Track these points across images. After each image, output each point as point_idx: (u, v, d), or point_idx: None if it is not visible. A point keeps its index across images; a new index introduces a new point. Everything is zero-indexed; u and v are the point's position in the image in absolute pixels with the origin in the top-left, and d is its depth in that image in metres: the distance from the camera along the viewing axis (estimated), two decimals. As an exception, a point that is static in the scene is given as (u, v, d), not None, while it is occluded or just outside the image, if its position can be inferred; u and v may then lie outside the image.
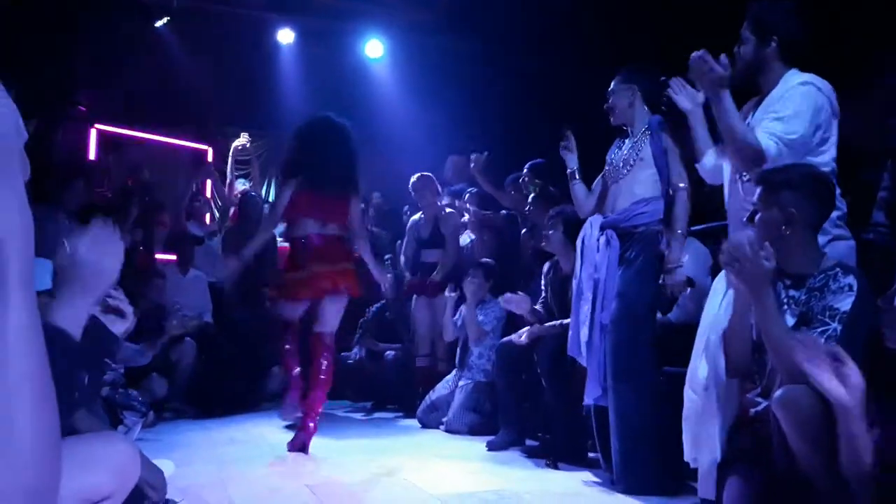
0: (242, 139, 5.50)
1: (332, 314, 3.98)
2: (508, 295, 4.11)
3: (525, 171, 4.94)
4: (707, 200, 3.82)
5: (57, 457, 0.64)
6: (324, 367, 3.89)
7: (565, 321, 3.76)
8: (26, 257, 0.62)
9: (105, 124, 7.04)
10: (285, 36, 7.21)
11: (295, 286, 3.98)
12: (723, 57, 2.50)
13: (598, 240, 3.20)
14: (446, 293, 5.03)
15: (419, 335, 5.39)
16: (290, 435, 3.97)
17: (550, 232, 3.98)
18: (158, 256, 5.88)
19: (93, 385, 1.25)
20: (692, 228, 4.03)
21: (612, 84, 3.30)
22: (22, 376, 0.61)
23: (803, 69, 2.59)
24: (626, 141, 3.28)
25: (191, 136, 7.55)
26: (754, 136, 2.46)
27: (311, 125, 4.06)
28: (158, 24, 6.74)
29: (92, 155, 6.90)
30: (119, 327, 1.39)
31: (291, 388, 4.11)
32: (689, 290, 3.28)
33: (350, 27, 7.26)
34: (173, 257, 5.85)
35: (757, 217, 2.23)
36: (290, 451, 3.79)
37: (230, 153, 5.88)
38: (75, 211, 4.53)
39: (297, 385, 4.07)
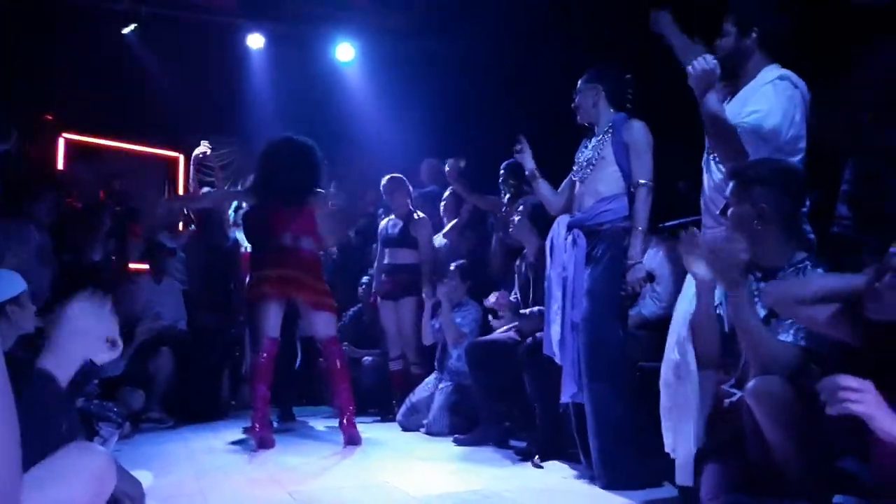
0: (203, 147, 5.44)
1: (325, 322, 4.34)
2: (491, 297, 4.22)
3: (501, 171, 4.97)
4: (680, 196, 3.88)
5: (15, 463, 0.63)
6: (339, 365, 4.34)
7: (535, 309, 3.82)
8: None
9: (74, 133, 6.95)
10: (255, 41, 7.17)
11: (279, 282, 4.16)
12: (710, 57, 2.53)
13: (565, 239, 3.23)
14: (424, 297, 5.03)
15: (389, 339, 5.39)
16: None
17: (516, 219, 4.04)
18: (132, 266, 5.82)
19: (70, 432, 1.29)
20: (666, 224, 4.10)
21: (578, 84, 3.35)
22: None
23: (782, 64, 2.64)
24: (591, 140, 3.33)
25: (162, 144, 7.47)
26: (738, 138, 2.50)
27: (274, 147, 4.32)
28: (126, 30, 6.66)
29: (61, 165, 6.81)
30: (105, 356, 1.40)
31: (257, 414, 4.16)
32: (649, 285, 3.33)
33: (321, 31, 7.23)
34: (146, 266, 5.80)
35: (730, 211, 2.27)
36: (344, 446, 4.12)
37: (191, 162, 5.82)
38: (46, 223, 4.47)
39: (263, 408, 4.19)
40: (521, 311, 4.06)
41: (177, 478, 3.32)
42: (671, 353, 2.43)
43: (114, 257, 5.53)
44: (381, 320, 5.41)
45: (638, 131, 3.18)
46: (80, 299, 1.33)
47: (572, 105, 3.36)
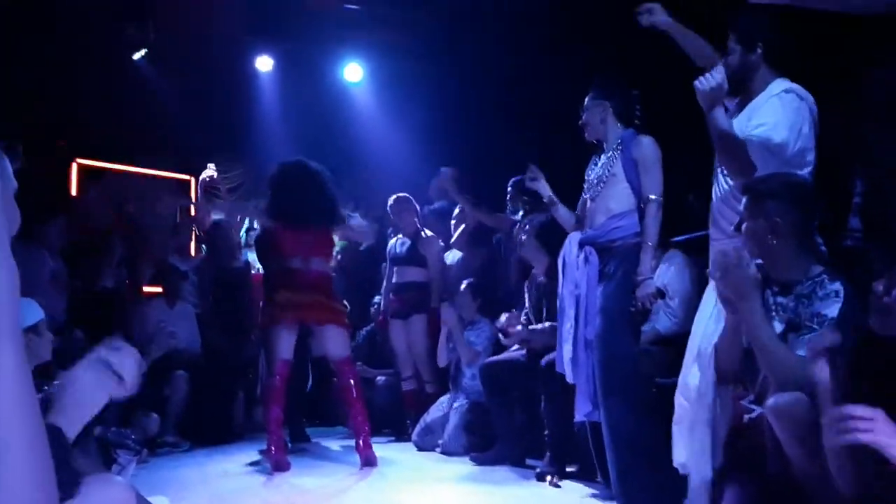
0: (209, 171, 5.46)
1: (339, 341, 4.33)
2: (502, 317, 4.21)
3: (509, 188, 4.98)
4: (691, 211, 3.87)
5: (52, 498, 0.64)
6: (353, 387, 4.31)
7: (547, 324, 3.81)
8: (13, 310, 0.64)
9: (86, 159, 7.01)
10: (264, 63, 7.23)
11: (291, 306, 4.16)
12: (716, 71, 2.53)
13: (577, 257, 3.23)
14: (443, 320, 5.01)
15: (399, 358, 5.36)
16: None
17: (523, 237, 4.04)
18: (146, 289, 5.84)
19: (73, 483, 1.31)
20: (678, 238, 4.09)
21: (586, 101, 3.35)
22: (16, 420, 0.62)
23: (789, 78, 2.64)
24: (601, 157, 3.32)
25: (173, 167, 7.53)
26: (746, 153, 2.50)
27: (284, 171, 4.32)
28: (137, 56, 6.74)
29: (74, 190, 6.87)
30: (117, 392, 1.40)
31: (272, 437, 4.15)
32: (662, 301, 3.31)
33: (329, 52, 7.29)
34: (160, 290, 5.82)
35: (743, 226, 2.26)
36: (360, 468, 4.11)
37: (198, 185, 5.85)
38: (59, 248, 4.51)
39: (277, 430, 4.19)
40: (532, 326, 4.05)
41: (193, 502, 3.31)
42: (690, 370, 2.41)
43: (127, 281, 5.56)
44: (392, 340, 5.39)
45: (647, 147, 3.18)
46: (81, 367, 1.34)
47: (580, 122, 3.36)
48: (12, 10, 5.52)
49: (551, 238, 3.60)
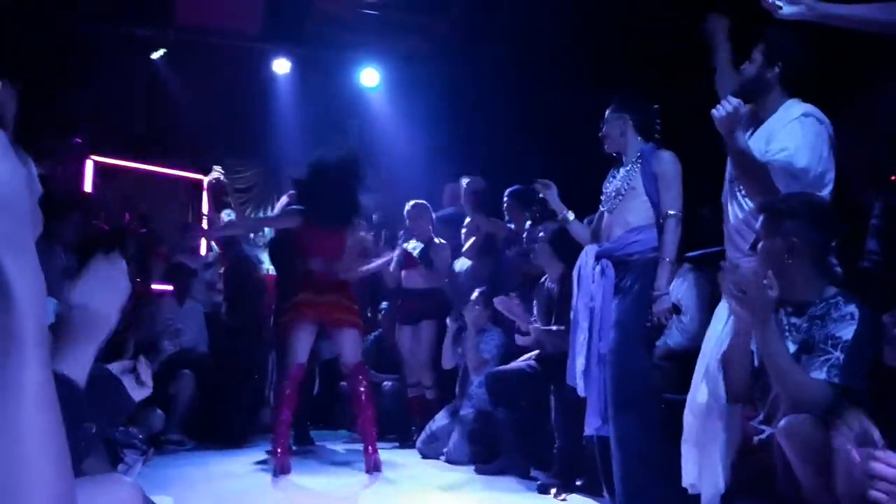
0: (215, 173, 5.45)
1: (354, 345, 4.33)
2: (501, 297, 4.19)
3: (506, 199, 5.00)
4: (704, 226, 3.84)
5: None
6: (363, 393, 4.28)
7: (563, 328, 3.79)
8: (40, 316, 0.64)
9: (102, 156, 7.06)
10: (281, 66, 7.27)
11: (312, 307, 4.16)
12: (733, 99, 2.53)
13: (593, 269, 3.21)
14: (448, 322, 5.01)
15: (406, 364, 5.34)
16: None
17: (537, 245, 4.02)
18: (155, 287, 5.86)
19: (100, 435, 1.23)
20: (692, 254, 4.06)
21: (606, 113, 3.35)
22: (38, 433, 0.61)
23: (802, 99, 2.64)
24: (620, 170, 3.31)
25: (187, 167, 7.57)
26: (768, 175, 2.49)
27: (321, 169, 4.25)
28: (155, 56, 6.79)
29: (89, 187, 6.91)
30: (137, 395, 1.38)
31: (279, 439, 4.11)
32: (675, 316, 3.28)
33: (346, 56, 7.32)
34: (170, 288, 5.83)
35: (759, 245, 2.24)
36: (367, 472, 4.08)
37: (206, 189, 5.85)
38: (73, 245, 4.53)
39: (286, 433, 4.15)
40: (546, 327, 4.02)
41: (196, 503, 3.31)
42: (699, 386, 2.39)
43: (137, 279, 5.58)
44: (400, 346, 5.38)
45: (668, 162, 3.16)
46: (82, 276, 1.19)
47: (599, 134, 3.36)
48: (32, 9, 5.56)
49: (565, 246, 3.58)
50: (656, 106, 3.28)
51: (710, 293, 3.59)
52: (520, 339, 4.24)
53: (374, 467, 4.13)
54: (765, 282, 2.04)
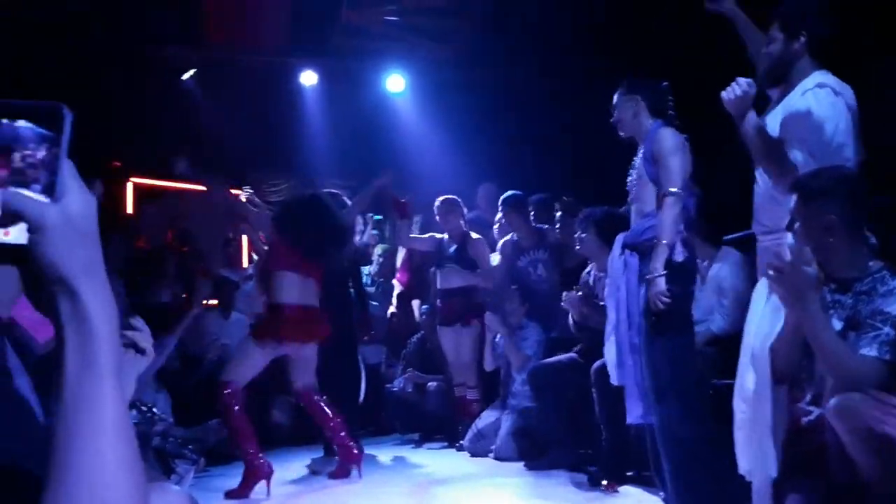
0: (244, 193, 5.48)
1: (307, 365, 4.14)
2: (569, 294, 4.11)
3: (501, 207, 5.06)
4: (743, 208, 3.77)
5: None
6: (326, 410, 4.07)
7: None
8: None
9: (141, 178, 7.22)
10: (308, 78, 7.35)
11: (287, 326, 3.99)
12: (743, 80, 2.49)
13: (619, 258, 3.17)
14: (487, 322, 4.99)
15: (450, 365, 5.32)
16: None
17: (583, 235, 3.95)
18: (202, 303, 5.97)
19: (139, 429, 1.25)
20: (728, 237, 3.99)
21: (615, 97, 3.25)
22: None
23: (831, 70, 2.57)
24: (636, 158, 3.24)
25: (223, 184, 7.68)
26: (785, 154, 2.44)
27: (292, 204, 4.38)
28: (184, 77, 6.92)
29: (130, 209, 7.08)
30: (140, 365, 1.39)
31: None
32: (717, 300, 3.19)
33: (371, 64, 7.38)
34: (215, 302, 5.95)
35: (796, 226, 2.19)
36: (335, 477, 4.00)
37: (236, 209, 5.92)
38: (115, 267, 4.64)
39: (262, 469, 3.79)
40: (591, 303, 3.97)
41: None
42: (745, 370, 2.35)
43: (184, 296, 5.69)
44: (442, 347, 5.36)
45: (662, 139, 3.02)
46: None
47: (612, 120, 3.28)
48: (67, 37, 5.72)
49: (612, 232, 3.43)
50: (666, 83, 3.19)
51: (752, 275, 3.53)
52: (565, 301, 4.10)
53: (346, 474, 4.05)
54: (804, 260, 2.01)
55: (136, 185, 7.22)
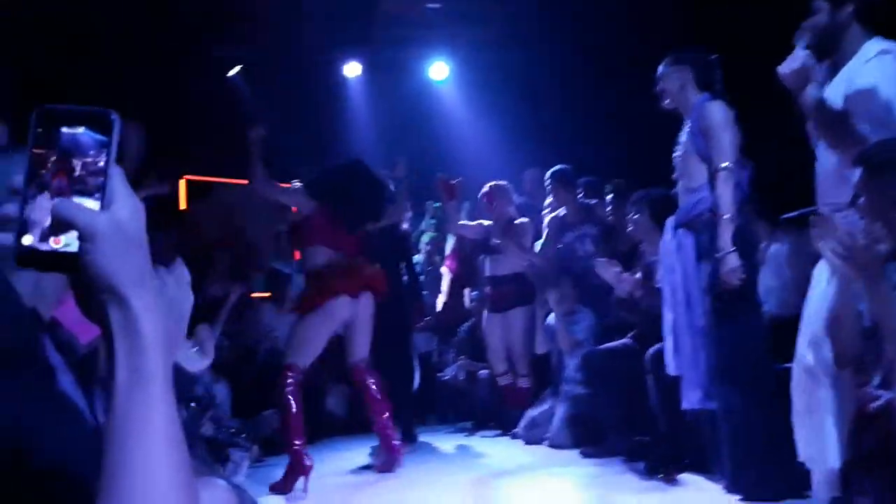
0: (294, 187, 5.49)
1: (362, 338, 3.98)
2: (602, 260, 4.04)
3: (548, 181, 5.00)
4: (803, 184, 3.63)
5: None
6: (374, 390, 3.94)
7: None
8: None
9: (193, 175, 7.37)
10: (352, 69, 7.38)
11: (324, 288, 3.83)
12: (799, 52, 2.38)
13: (671, 241, 3.07)
14: (537, 305, 4.93)
15: (493, 353, 5.23)
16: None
17: (636, 216, 3.85)
18: (255, 295, 6.09)
19: (187, 426, 1.27)
20: (790, 215, 3.84)
21: (660, 68, 3.14)
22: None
23: (885, 37, 2.44)
24: (683, 132, 3.14)
25: (273, 177, 7.78)
26: (851, 127, 2.32)
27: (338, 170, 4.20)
28: (231, 73, 7.02)
29: (184, 205, 7.23)
30: (199, 365, 1.41)
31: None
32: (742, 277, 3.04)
33: (413, 52, 7.36)
34: (268, 294, 6.06)
35: (861, 201, 2.09)
36: (379, 472, 3.93)
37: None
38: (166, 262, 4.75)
39: (303, 463, 3.64)
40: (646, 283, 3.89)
41: (305, 502, 3.41)
42: (804, 353, 2.26)
43: (239, 290, 5.80)
44: (486, 334, 5.27)
45: (712, 113, 2.93)
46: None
47: (656, 90, 3.16)
48: (115, 38, 5.85)
49: (666, 214, 3.35)
50: (715, 56, 3.08)
51: (812, 254, 3.39)
52: (609, 275, 4.00)
53: (390, 467, 3.94)
54: (871, 237, 1.90)
55: (188, 182, 7.37)
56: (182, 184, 7.31)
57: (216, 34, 6.66)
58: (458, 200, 5.26)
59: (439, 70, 7.42)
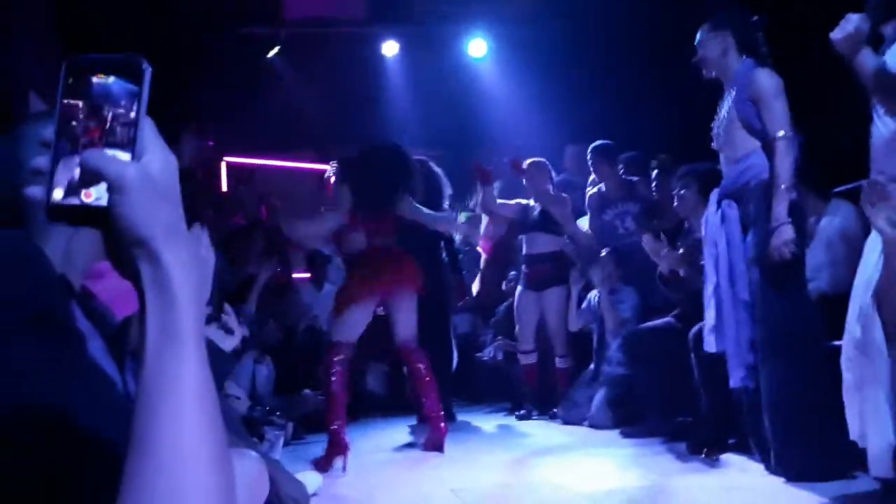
0: (329, 169, 5.47)
1: (406, 316, 3.93)
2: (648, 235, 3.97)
3: (590, 155, 4.96)
4: (855, 157, 3.48)
5: None
6: (423, 371, 3.90)
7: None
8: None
9: (233, 156, 7.44)
10: (390, 48, 7.34)
11: (363, 283, 3.86)
12: (852, 16, 2.27)
13: (715, 213, 2.97)
14: (571, 282, 4.87)
15: (522, 330, 5.16)
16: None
17: (682, 191, 3.76)
18: (295, 276, 6.13)
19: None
20: (841, 188, 3.70)
21: (699, 34, 3.01)
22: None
23: None
24: (724, 101, 3.01)
25: (312, 159, 7.83)
26: None
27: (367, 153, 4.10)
28: (270, 54, 7.05)
29: (224, 187, 7.32)
30: (228, 344, 1.42)
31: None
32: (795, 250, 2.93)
33: (451, 29, 7.29)
34: (308, 275, 6.10)
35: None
36: (425, 450, 3.89)
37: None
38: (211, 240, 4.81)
39: (342, 444, 3.63)
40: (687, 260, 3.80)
41: (346, 477, 3.43)
42: (853, 327, 2.17)
43: (278, 269, 5.85)
44: (518, 310, 5.20)
45: (762, 81, 2.81)
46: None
47: (695, 59, 3.04)
48: (153, 20, 5.90)
49: (714, 189, 3.22)
50: (757, 17, 2.94)
51: (865, 228, 3.26)
52: (652, 247, 3.95)
53: (436, 446, 3.91)
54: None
55: (228, 164, 7.45)
56: (223, 166, 7.39)
57: (254, 14, 6.68)
58: (492, 183, 5.21)
59: (478, 47, 7.34)
